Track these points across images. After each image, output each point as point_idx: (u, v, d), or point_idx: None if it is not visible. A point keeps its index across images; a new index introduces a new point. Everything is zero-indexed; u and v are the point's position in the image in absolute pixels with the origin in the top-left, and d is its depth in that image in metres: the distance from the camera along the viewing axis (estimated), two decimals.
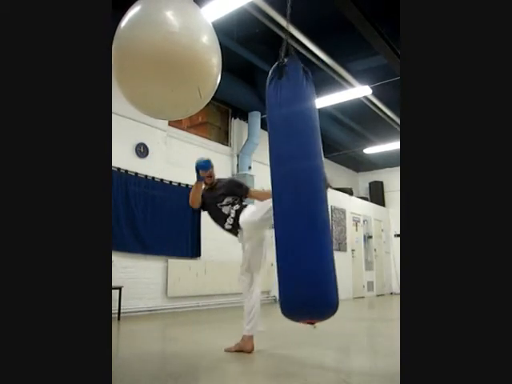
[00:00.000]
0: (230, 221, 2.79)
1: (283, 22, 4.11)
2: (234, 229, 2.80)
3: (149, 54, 1.76)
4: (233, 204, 2.84)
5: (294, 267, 1.92)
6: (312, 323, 2.00)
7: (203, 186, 2.97)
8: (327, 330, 4.00)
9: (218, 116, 7.26)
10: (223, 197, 2.87)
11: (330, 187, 2.95)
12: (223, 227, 2.86)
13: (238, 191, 2.94)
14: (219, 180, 3.04)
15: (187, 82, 1.86)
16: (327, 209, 2.02)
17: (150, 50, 1.75)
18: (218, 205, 2.85)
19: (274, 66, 2.08)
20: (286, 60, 2.08)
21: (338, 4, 3.82)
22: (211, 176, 2.94)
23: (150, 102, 1.97)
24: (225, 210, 2.83)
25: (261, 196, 2.91)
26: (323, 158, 2.07)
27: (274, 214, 2.04)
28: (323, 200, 1.99)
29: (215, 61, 1.95)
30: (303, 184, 1.95)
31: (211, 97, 2.05)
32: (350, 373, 2.38)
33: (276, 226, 2.01)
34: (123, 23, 1.85)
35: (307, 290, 1.87)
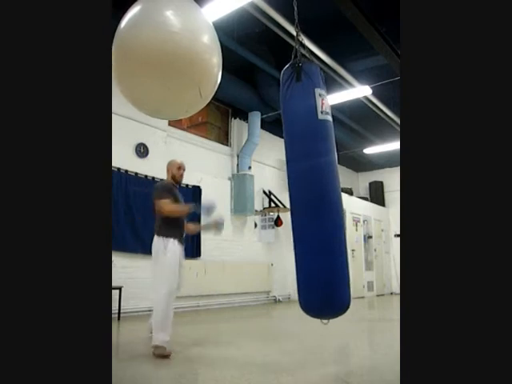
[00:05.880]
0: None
1: (283, 21, 4.12)
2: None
3: (149, 53, 1.76)
4: None
5: (311, 271, 1.99)
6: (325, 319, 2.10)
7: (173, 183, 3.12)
8: (327, 330, 4.00)
9: (218, 116, 7.26)
10: None
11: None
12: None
13: None
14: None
15: (187, 82, 1.86)
16: (343, 214, 2.07)
17: (151, 50, 1.75)
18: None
19: (290, 67, 2.10)
20: (302, 62, 2.09)
21: (338, 4, 3.82)
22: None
23: (149, 102, 1.97)
24: None
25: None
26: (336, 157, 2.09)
27: (291, 214, 2.09)
28: (339, 205, 2.03)
29: (215, 60, 1.94)
30: (319, 183, 1.99)
31: (211, 96, 2.05)
32: (349, 373, 2.38)
33: (295, 228, 2.05)
34: (123, 23, 1.84)
35: (323, 293, 1.96)
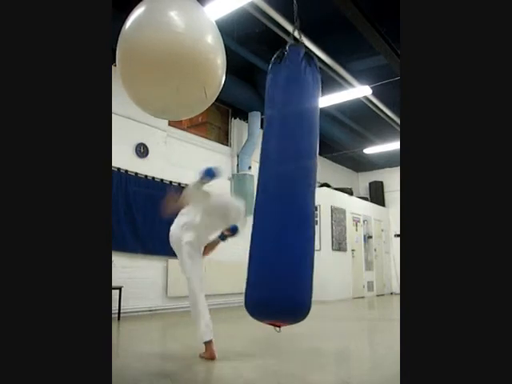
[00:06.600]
0: None
1: (283, 22, 4.11)
2: None
3: (154, 54, 1.76)
4: None
5: (266, 265, 1.76)
6: (277, 326, 1.82)
7: None
8: (326, 330, 4.00)
9: (218, 116, 7.26)
10: None
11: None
12: None
13: None
14: None
15: (192, 82, 1.86)
16: (313, 212, 1.88)
17: (155, 51, 1.75)
18: None
19: (276, 54, 2.05)
20: (287, 48, 2.03)
21: (338, 4, 3.82)
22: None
23: (154, 102, 1.97)
24: None
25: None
26: (317, 157, 1.95)
27: (255, 206, 1.92)
28: (309, 202, 1.85)
29: (220, 60, 1.94)
30: (291, 182, 1.84)
31: (216, 97, 2.05)
32: (350, 372, 2.38)
33: (255, 221, 1.89)
34: (128, 24, 1.84)
35: (278, 292, 1.72)
